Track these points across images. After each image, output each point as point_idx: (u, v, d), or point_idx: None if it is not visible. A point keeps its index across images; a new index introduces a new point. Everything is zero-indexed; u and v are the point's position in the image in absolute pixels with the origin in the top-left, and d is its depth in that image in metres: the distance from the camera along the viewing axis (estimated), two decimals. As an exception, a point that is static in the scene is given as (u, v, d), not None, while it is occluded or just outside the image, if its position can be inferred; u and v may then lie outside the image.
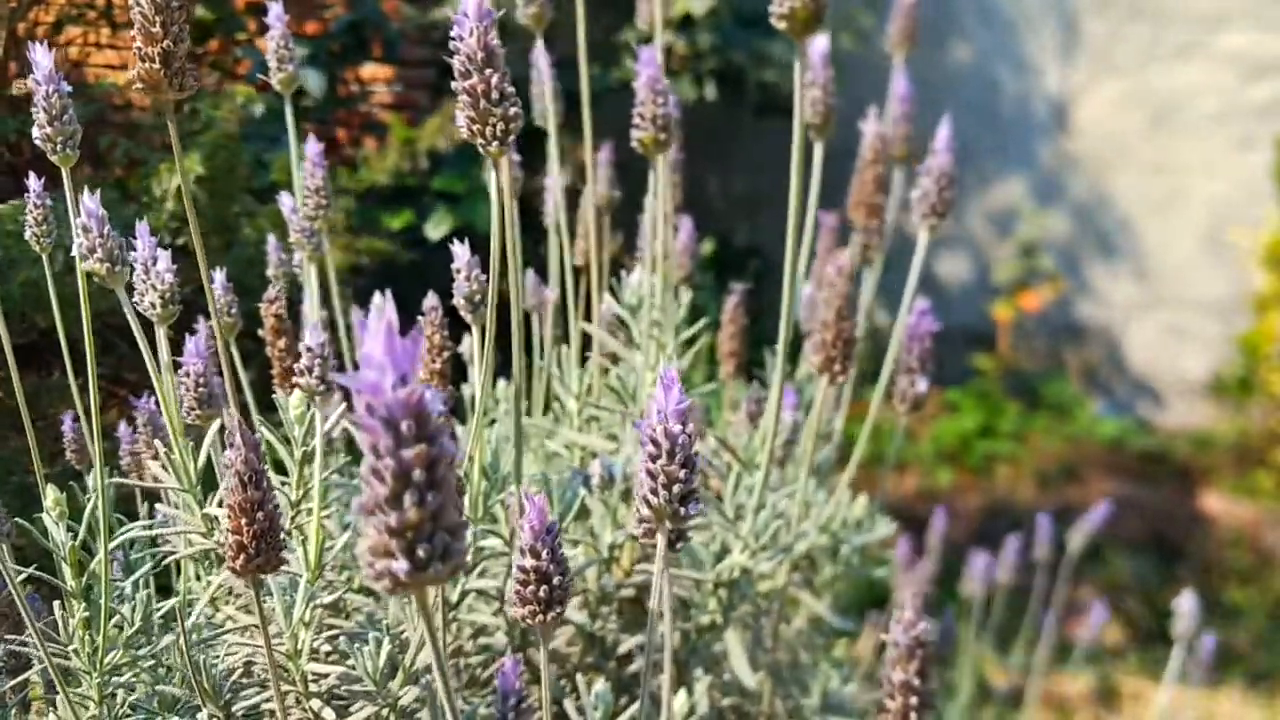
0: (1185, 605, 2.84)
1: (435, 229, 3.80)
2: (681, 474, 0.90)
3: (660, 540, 0.93)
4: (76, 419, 1.69)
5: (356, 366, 1.70)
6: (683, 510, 0.91)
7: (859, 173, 1.92)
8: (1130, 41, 5.55)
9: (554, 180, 1.87)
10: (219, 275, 1.47)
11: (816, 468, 1.94)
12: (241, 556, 1.00)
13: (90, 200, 1.19)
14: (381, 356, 0.60)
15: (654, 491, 0.91)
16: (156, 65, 1.10)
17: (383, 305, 0.56)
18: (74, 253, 1.19)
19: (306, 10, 3.42)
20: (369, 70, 3.58)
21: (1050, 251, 5.78)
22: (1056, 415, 5.69)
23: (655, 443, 0.91)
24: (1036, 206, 5.76)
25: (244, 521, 0.99)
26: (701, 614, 1.65)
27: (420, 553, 0.63)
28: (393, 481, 0.61)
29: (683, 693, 1.42)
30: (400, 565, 0.63)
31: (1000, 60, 5.73)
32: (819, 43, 1.76)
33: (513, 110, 1.00)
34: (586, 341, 1.85)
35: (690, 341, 1.73)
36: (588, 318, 1.87)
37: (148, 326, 1.30)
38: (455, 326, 1.38)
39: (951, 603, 3.84)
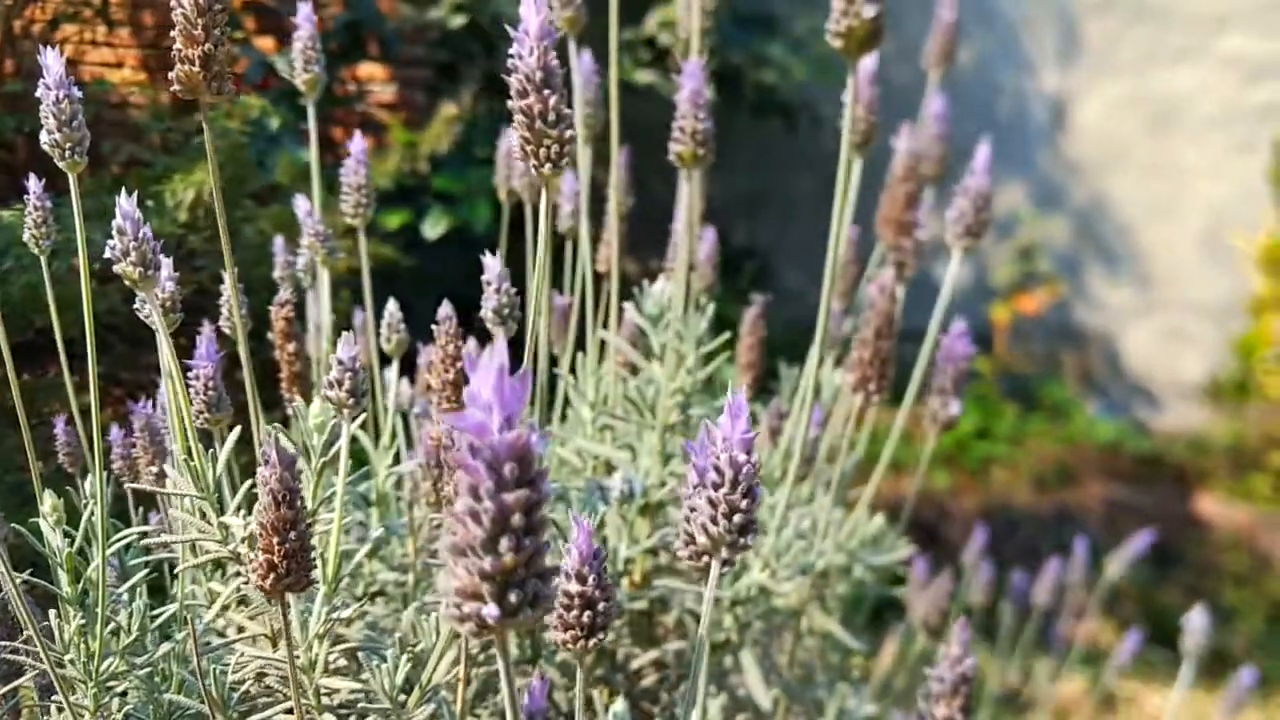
0: (1195, 622, 2.81)
1: (432, 229, 3.78)
2: (743, 504, 0.88)
3: (714, 567, 0.91)
4: (69, 421, 1.66)
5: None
6: (741, 541, 0.89)
7: (889, 190, 1.89)
8: (1130, 44, 5.54)
9: (581, 187, 1.84)
10: (231, 282, 1.44)
11: (836, 485, 1.92)
12: (271, 576, 0.97)
13: (126, 203, 1.16)
14: (490, 396, 0.58)
15: (714, 520, 0.89)
16: (196, 68, 1.07)
17: (497, 341, 0.55)
18: (107, 254, 1.17)
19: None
20: (366, 69, 3.56)
21: (1048, 254, 5.78)
22: (1053, 418, 5.68)
23: (719, 471, 0.88)
24: (1035, 209, 5.76)
25: (276, 540, 0.96)
26: (717, 631, 1.63)
27: (512, 598, 0.61)
28: (490, 525, 0.60)
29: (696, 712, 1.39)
30: (490, 610, 0.61)
31: (1000, 62, 5.72)
32: (865, 62, 1.74)
33: (569, 133, 0.97)
34: (600, 347, 1.83)
35: (712, 355, 1.70)
36: (604, 325, 1.84)
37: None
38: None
39: (954, 608, 3.83)
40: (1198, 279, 5.70)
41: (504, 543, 0.60)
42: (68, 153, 1.20)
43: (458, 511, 0.60)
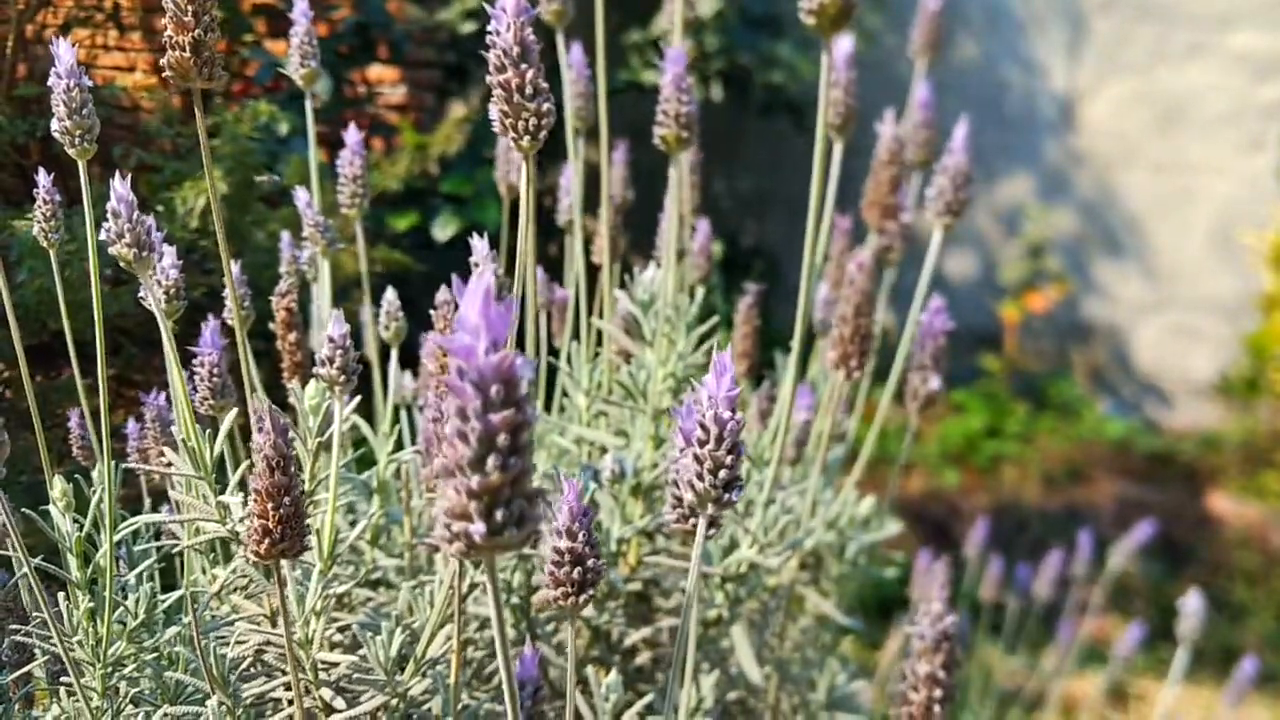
0: (1190, 605, 2.83)
1: (442, 230, 3.82)
2: (728, 460, 0.90)
3: (700, 525, 0.93)
4: (83, 416, 1.69)
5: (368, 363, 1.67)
6: (726, 496, 0.91)
7: (874, 174, 1.92)
8: (1138, 41, 5.55)
9: (575, 179, 1.87)
10: (236, 270, 1.47)
11: (826, 467, 1.94)
12: (266, 541, 1.00)
13: (121, 185, 1.19)
14: (477, 320, 0.60)
15: (699, 476, 0.91)
16: (187, 54, 1.10)
17: (483, 269, 0.57)
18: (102, 236, 1.20)
19: (312, 12, 3.42)
20: (375, 72, 3.59)
21: (1057, 250, 5.78)
22: (1063, 416, 5.68)
23: (704, 428, 0.91)
24: (1043, 205, 5.76)
25: (270, 506, 0.99)
26: (709, 608, 1.65)
27: (498, 516, 0.63)
28: (477, 445, 0.62)
29: (687, 682, 1.42)
30: (477, 528, 0.63)
31: (1008, 59, 5.73)
32: (843, 44, 1.76)
33: (545, 106, 1.00)
34: (598, 338, 1.85)
35: (702, 339, 1.73)
36: (600, 315, 1.87)
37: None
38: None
39: (962, 603, 3.84)
40: (1208, 276, 5.69)
41: (490, 461, 0.62)
42: (77, 139, 1.23)
43: (447, 434, 0.62)
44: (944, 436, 5.47)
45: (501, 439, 0.62)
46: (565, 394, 1.85)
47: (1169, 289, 5.79)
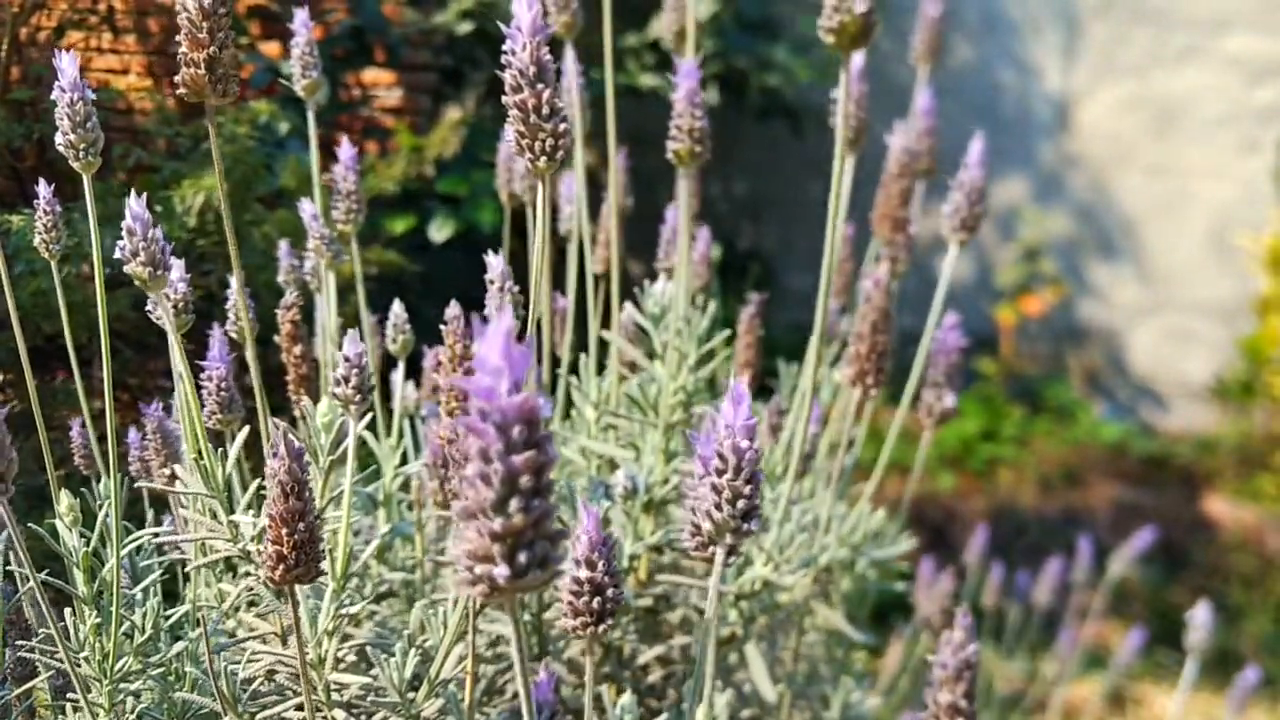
0: (1200, 617, 2.82)
1: (439, 232, 3.80)
2: (746, 490, 0.89)
3: (718, 555, 0.92)
4: (85, 425, 1.67)
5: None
6: (745, 526, 0.90)
7: (884, 187, 1.91)
8: (1133, 44, 5.55)
9: (578, 188, 1.86)
10: (239, 286, 1.46)
11: (841, 476, 1.93)
12: (281, 567, 0.99)
13: (136, 204, 1.17)
14: (498, 361, 0.59)
15: (718, 506, 0.90)
16: (201, 70, 1.09)
17: (503, 309, 0.56)
18: (116, 255, 1.18)
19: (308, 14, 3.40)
20: (371, 75, 3.57)
21: (1052, 253, 5.78)
22: (1059, 419, 5.68)
23: (722, 457, 0.90)
24: (1039, 208, 5.76)
25: (285, 532, 0.98)
26: (722, 625, 1.64)
27: (521, 559, 0.63)
28: (500, 487, 0.61)
29: (704, 705, 1.40)
30: (501, 571, 0.62)
31: (1003, 62, 5.72)
32: (855, 58, 1.75)
33: (562, 126, 0.99)
34: (604, 349, 1.84)
35: (712, 353, 1.72)
36: (605, 325, 1.85)
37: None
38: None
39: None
40: (1203, 279, 5.70)
41: (513, 504, 0.61)
42: (82, 153, 1.22)
43: (468, 475, 0.62)
44: (940, 440, 5.46)
45: (524, 480, 0.62)
46: (571, 403, 1.83)
47: (1164, 292, 5.80)
